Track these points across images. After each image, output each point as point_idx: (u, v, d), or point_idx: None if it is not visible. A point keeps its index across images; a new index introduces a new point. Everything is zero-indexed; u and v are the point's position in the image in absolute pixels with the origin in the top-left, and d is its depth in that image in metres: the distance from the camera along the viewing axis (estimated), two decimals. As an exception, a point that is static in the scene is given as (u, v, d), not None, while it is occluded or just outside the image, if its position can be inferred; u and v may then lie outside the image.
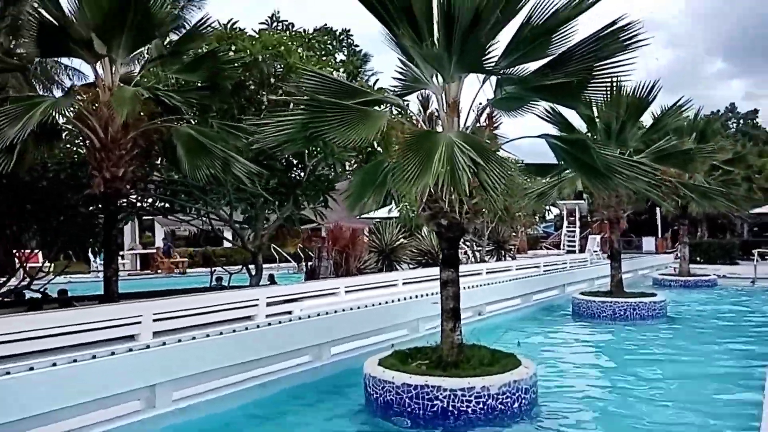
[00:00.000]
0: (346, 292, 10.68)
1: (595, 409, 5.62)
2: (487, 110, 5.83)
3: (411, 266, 15.55)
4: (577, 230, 37.79)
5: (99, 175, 8.68)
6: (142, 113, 8.75)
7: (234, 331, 5.81)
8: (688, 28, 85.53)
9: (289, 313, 8.14)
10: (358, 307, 7.09)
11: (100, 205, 9.89)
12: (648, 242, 35.89)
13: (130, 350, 4.88)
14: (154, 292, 9.98)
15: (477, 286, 10.14)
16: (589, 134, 10.82)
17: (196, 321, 7.09)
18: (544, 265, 18.66)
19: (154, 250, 22.08)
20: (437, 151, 4.46)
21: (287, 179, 11.78)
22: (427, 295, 9.32)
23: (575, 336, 9.50)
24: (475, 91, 5.74)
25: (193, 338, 5.47)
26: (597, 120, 10.50)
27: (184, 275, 20.78)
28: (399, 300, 8.41)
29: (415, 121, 5.91)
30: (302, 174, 12.06)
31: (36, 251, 12.25)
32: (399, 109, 6.92)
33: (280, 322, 6.33)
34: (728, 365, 7.26)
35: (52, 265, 17.02)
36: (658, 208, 31.97)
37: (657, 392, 6.18)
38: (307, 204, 12.47)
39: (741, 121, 45.33)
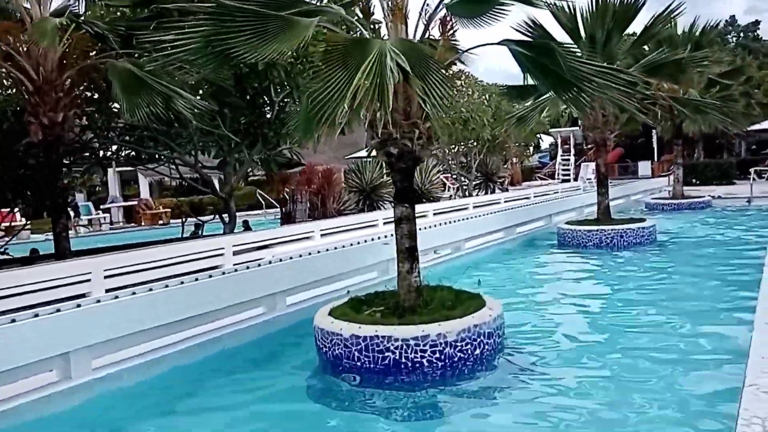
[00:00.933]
0: (322, 235, 10.17)
1: (568, 350, 5.11)
2: (440, 15, 5.03)
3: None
4: (572, 158, 36.97)
5: (36, 121, 7.97)
6: (77, 49, 7.97)
7: (182, 283, 5.23)
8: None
9: (261, 259, 7.70)
10: (309, 254, 6.48)
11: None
12: (644, 166, 35.16)
13: (79, 306, 4.30)
14: (112, 247, 9.42)
15: (454, 221, 9.57)
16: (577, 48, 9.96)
17: (157, 274, 6.60)
18: (534, 196, 18.21)
19: (136, 202, 21.45)
20: (365, 62, 3.73)
21: (255, 117, 11.03)
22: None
23: (557, 267, 9.00)
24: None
25: (133, 293, 4.91)
26: (582, 31, 9.62)
27: (167, 226, 20.28)
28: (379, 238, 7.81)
29: (353, 33, 5.13)
30: (271, 111, 11.29)
31: (13, 210, 11.69)
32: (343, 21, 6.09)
33: (223, 273, 5.74)
34: (716, 294, 6.75)
35: (28, 223, 16.49)
36: (653, 131, 31.13)
37: (635, 322, 5.70)
38: (278, 144, 11.76)
39: (741, 35, 43.62)
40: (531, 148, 47.70)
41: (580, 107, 5.15)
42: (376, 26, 5.17)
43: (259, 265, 6.01)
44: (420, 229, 8.96)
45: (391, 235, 8.24)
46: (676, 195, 15.74)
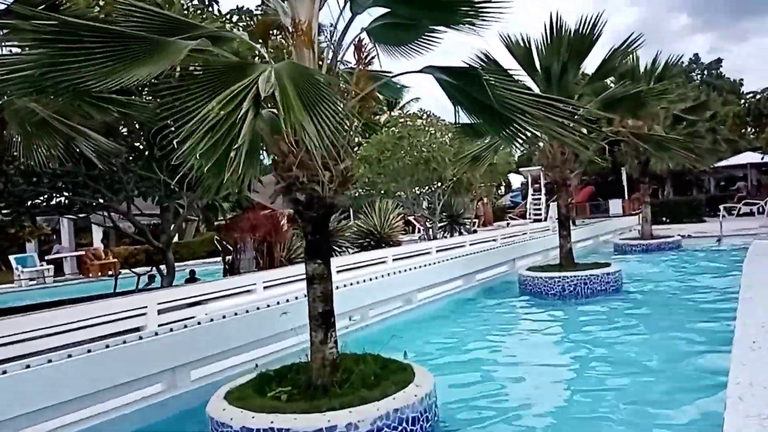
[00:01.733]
0: (265, 287, 9.28)
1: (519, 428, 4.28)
2: (356, 40, 4.35)
3: (352, 250, 14.17)
4: (543, 197, 36.75)
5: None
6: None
7: (50, 361, 4.30)
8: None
9: (191, 318, 6.80)
10: (224, 317, 5.58)
11: None
12: (615, 204, 35.01)
13: None
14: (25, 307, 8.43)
15: (404, 270, 8.78)
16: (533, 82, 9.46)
17: (69, 339, 5.65)
18: (501, 238, 17.55)
19: (83, 252, 20.26)
20: (230, 89, 2.98)
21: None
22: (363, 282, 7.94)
23: (514, 322, 8.20)
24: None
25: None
26: (537, 63, 9.13)
27: (121, 276, 19.08)
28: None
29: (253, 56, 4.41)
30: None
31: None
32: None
33: (125, 342, 4.82)
34: (685, 351, 6.00)
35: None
36: (623, 168, 31.06)
37: (597, 388, 4.92)
38: (219, 189, 10.94)
39: (705, 72, 44.62)
40: (502, 188, 47.66)
41: (518, 144, 4.47)
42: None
43: (157, 333, 5.10)
44: (372, 278, 8.29)
45: (350, 284, 7.46)
46: (645, 235, 15.23)
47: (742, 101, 29.34)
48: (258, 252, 11.45)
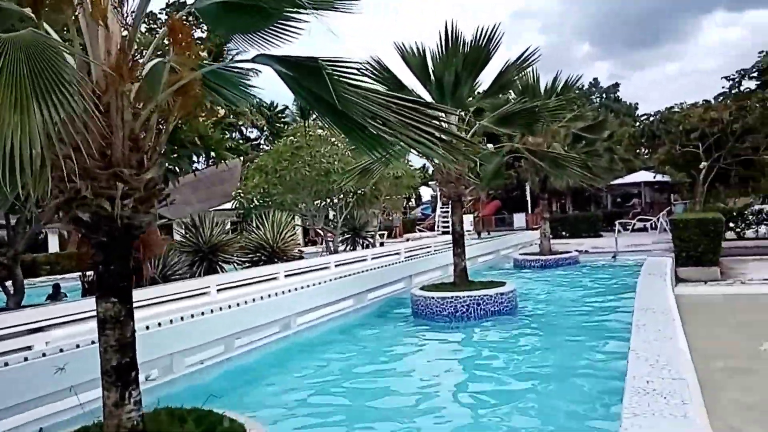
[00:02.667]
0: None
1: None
2: (172, 20, 3.45)
3: (240, 266, 13.07)
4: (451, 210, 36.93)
5: None
6: None
7: None
8: (560, 13, 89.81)
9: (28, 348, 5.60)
10: (25, 359, 4.47)
11: None
12: (519, 218, 35.78)
13: None
14: None
15: (283, 292, 7.88)
16: (428, 93, 8.90)
17: None
18: (406, 251, 17.00)
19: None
20: None
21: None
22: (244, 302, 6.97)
23: (399, 350, 7.44)
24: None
25: None
26: (430, 73, 8.57)
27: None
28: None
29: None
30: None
31: None
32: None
33: None
34: (579, 379, 5.54)
35: None
36: (527, 183, 31.73)
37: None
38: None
39: (603, 95, 46.92)
40: (413, 201, 47.73)
41: (378, 154, 3.74)
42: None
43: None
44: (248, 301, 7.33)
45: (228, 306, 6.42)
46: (543, 251, 15.17)
47: (637, 123, 30.83)
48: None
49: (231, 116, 11.13)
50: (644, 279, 9.85)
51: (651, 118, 26.44)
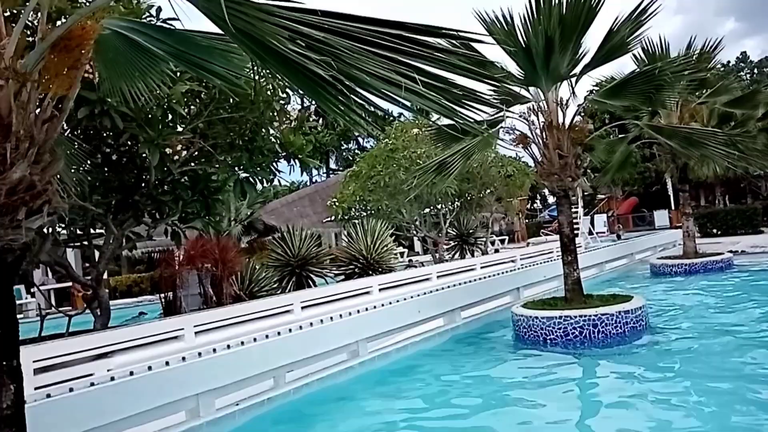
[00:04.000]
0: (196, 333, 7.45)
1: None
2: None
3: (334, 279, 12.18)
4: (581, 210, 33.83)
5: None
6: None
7: None
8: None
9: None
10: None
11: None
12: (661, 216, 31.90)
13: None
14: None
15: (350, 314, 6.74)
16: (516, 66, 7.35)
17: None
18: (522, 258, 15.24)
19: (70, 284, 18.96)
20: None
21: (117, 181, 8.61)
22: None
23: (485, 390, 5.88)
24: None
25: None
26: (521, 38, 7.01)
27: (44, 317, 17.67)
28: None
29: None
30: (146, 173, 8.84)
31: None
32: None
33: None
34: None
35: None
36: (668, 177, 28.11)
37: None
38: (161, 216, 9.25)
39: (755, 71, 40.92)
40: (535, 202, 44.79)
41: (365, 126, 2.41)
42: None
43: None
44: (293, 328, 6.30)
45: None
46: (687, 253, 12.65)
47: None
48: (205, 287, 9.62)
49: (310, 118, 10.27)
50: None
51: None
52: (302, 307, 9.46)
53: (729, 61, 41.28)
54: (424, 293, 7.89)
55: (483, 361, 6.77)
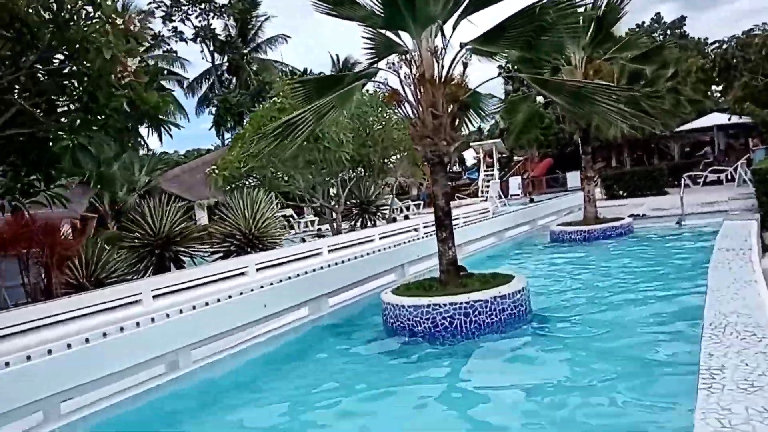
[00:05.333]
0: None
1: None
2: None
3: (201, 260, 10.81)
4: (496, 173, 33.63)
5: None
6: None
7: None
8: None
9: None
10: None
11: None
12: (573, 177, 31.92)
13: None
14: None
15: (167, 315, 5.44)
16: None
17: None
18: (425, 226, 14.36)
19: None
20: None
21: None
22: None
23: (340, 400, 4.86)
24: None
25: None
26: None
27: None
28: None
29: None
30: None
31: None
32: None
33: None
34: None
35: None
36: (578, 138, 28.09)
37: None
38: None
39: (668, 32, 41.61)
40: (453, 165, 44.35)
41: None
42: None
43: None
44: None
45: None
46: (587, 219, 12.09)
47: (709, 55, 26.26)
48: (28, 277, 8.03)
49: (163, 71, 8.73)
50: (719, 254, 6.90)
51: (724, 45, 22.15)
52: (154, 296, 8.12)
53: (644, 22, 41.79)
54: (280, 280, 6.68)
55: (332, 360, 5.70)
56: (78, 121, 8.17)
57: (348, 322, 7.02)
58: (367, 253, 8.84)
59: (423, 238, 11.35)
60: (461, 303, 5.79)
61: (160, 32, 35.51)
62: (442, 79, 6.19)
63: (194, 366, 5.29)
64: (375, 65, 6.55)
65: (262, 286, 6.18)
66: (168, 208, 10.32)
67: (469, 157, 41.98)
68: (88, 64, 7.44)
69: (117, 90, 8.06)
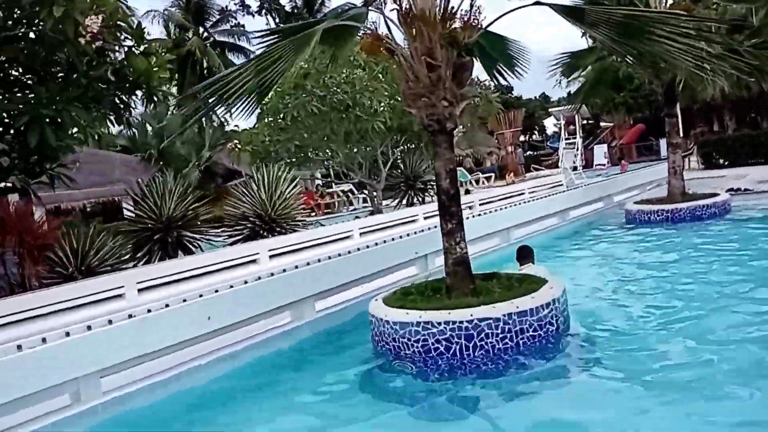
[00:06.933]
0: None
1: None
2: None
3: (212, 246, 9.71)
4: (579, 141, 30.60)
5: None
6: None
7: None
8: None
9: None
10: None
11: None
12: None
13: None
14: None
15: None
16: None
17: None
18: (481, 203, 12.71)
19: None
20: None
21: None
22: None
23: None
24: None
25: None
26: None
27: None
28: None
29: None
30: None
31: None
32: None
33: None
34: None
35: None
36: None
37: None
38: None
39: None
40: (533, 134, 41.35)
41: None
42: None
43: None
44: None
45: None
46: (672, 195, 9.83)
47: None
48: (7, 269, 7.22)
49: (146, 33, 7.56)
50: None
51: None
52: (139, 290, 7.11)
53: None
54: (245, 282, 5.32)
55: (300, 400, 4.29)
56: (48, 93, 7.17)
57: (336, 335, 5.58)
58: (379, 243, 7.30)
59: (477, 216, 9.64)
60: (461, 321, 4.20)
61: (226, 6, 35.18)
62: (440, 16, 4.50)
63: (103, 399, 4.07)
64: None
65: (201, 295, 4.85)
66: (169, 187, 9.21)
67: (550, 125, 38.88)
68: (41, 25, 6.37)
69: (87, 56, 6.97)
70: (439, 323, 4.23)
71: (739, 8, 19.20)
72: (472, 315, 4.20)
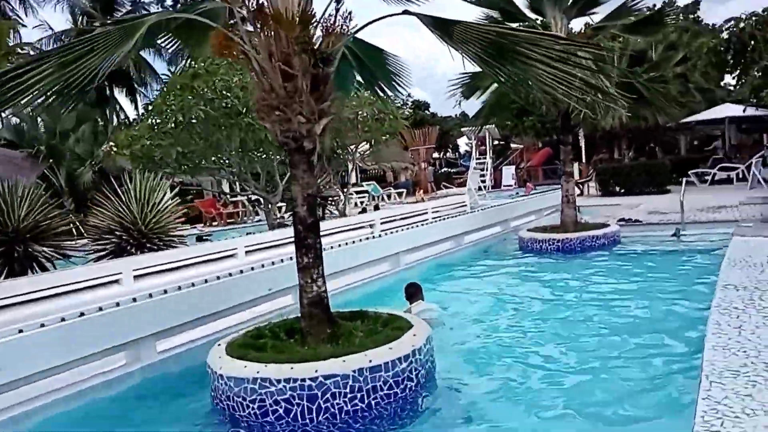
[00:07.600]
0: None
1: None
2: None
3: (67, 262, 8.58)
4: (489, 161, 31.16)
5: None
6: None
7: None
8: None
9: None
10: None
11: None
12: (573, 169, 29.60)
13: None
14: None
15: None
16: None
17: None
18: (384, 221, 12.19)
19: None
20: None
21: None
22: None
23: None
24: None
25: None
26: None
27: None
28: None
29: None
30: None
31: None
32: None
33: None
34: None
35: None
36: (579, 128, 25.51)
37: None
38: None
39: (680, 16, 38.57)
40: (447, 151, 41.86)
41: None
42: None
43: None
44: None
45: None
46: (564, 224, 9.76)
47: (722, 34, 23.45)
48: None
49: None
50: (723, 293, 4.73)
51: (741, 24, 19.51)
52: None
53: (654, 5, 38.87)
54: (42, 325, 4.42)
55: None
56: None
57: (178, 382, 4.79)
58: (245, 269, 6.55)
59: (379, 236, 9.08)
60: (303, 379, 3.56)
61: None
62: (297, 16, 3.89)
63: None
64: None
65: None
66: (24, 192, 8.04)
67: (463, 144, 39.50)
68: None
69: None
70: (278, 381, 3.58)
71: (642, 42, 20.03)
72: (317, 371, 3.58)
